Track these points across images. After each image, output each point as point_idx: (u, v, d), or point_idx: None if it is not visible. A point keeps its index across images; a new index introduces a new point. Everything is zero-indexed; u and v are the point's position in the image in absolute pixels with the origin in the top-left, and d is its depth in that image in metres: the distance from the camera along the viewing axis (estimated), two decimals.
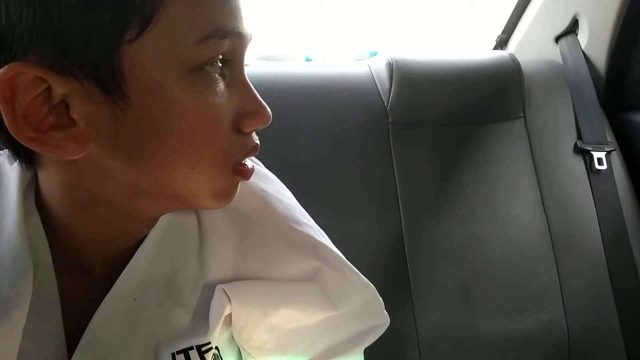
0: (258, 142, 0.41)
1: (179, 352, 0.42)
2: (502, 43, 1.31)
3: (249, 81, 0.39)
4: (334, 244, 0.52)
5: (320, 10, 1.44)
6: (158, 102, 0.34)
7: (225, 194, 0.41)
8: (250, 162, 0.42)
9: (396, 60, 0.97)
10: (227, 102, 0.37)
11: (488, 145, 0.96)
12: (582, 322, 0.91)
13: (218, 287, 0.44)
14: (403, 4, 1.50)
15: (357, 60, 1.33)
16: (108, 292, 0.41)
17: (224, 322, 0.44)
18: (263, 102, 0.40)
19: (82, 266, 0.43)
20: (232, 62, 0.38)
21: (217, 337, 0.44)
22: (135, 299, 0.42)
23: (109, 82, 0.32)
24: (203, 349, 0.43)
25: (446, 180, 0.94)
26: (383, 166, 0.92)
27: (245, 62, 0.39)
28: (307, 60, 1.33)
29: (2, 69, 0.30)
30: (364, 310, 0.51)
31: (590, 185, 0.97)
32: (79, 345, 0.39)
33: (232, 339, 0.47)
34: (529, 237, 0.93)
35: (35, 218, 0.40)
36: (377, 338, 0.51)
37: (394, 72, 0.96)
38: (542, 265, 0.92)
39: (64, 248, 0.41)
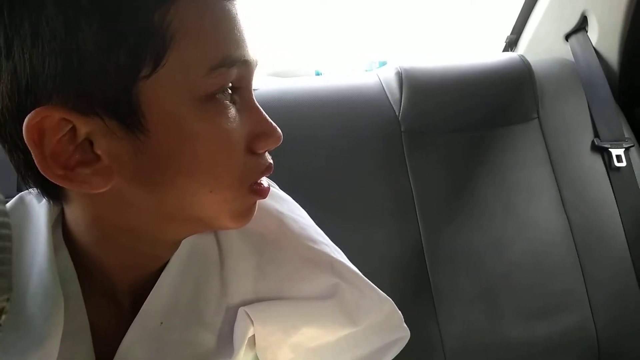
0: (271, 161, 0.43)
1: None
2: (511, 43, 1.31)
3: (258, 105, 0.41)
4: (352, 257, 0.52)
5: (327, 23, 1.46)
6: (175, 132, 0.35)
7: (244, 214, 0.43)
8: (266, 181, 0.43)
9: (405, 69, 0.98)
10: (239, 126, 0.38)
11: (503, 148, 0.96)
12: (611, 323, 0.89)
13: (240, 310, 0.45)
14: (408, 11, 1.51)
15: (366, 70, 1.33)
16: (130, 315, 0.42)
17: (248, 343, 0.45)
18: (273, 123, 0.41)
19: (110, 295, 0.44)
20: (241, 88, 0.39)
21: (242, 358, 0.44)
22: (162, 322, 0.43)
23: (128, 117, 0.34)
24: None
25: (463, 186, 0.93)
26: (398, 175, 0.92)
27: (253, 87, 0.41)
28: (317, 74, 1.35)
29: (29, 115, 0.32)
30: (384, 324, 0.51)
31: (611, 183, 0.96)
32: None
33: (256, 358, 0.48)
34: (551, 240, 0.92)
35: (64, 251, 0.42)
36: (399, 351, 0.51)
37: (404, 81, 0.96)
38: (565, 267, 0.91)
39: (92, 278, 0.42)
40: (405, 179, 0.92)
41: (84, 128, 0.33)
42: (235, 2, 0.37)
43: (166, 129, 0.35)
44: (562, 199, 0.94)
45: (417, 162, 0.93)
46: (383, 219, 0.90)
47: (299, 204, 0.55)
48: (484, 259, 0.90)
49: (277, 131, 0.41)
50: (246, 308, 0.45)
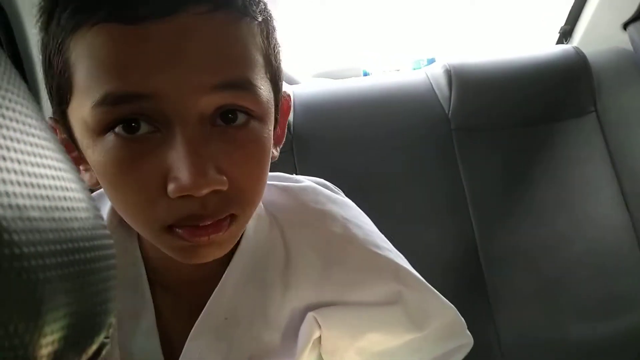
0: (202, 212, 0.36)
1: None
2: (565, 34, 1.26)
3: (184, 144, 0.34)
4: (405, 256, 0.53)
5: (374, 23, 1.46)
6: (87, 158, 0.38)
7: (178, 253, 0.39)
8: (193, 228, 0.36)
9: (454, 66, 0.97)
10: (145, 163, 0.35)
11: (558, 143, 0.94)
12: None
13: (309, 315, 0.47)
14: (457, 6, 1.49)
15: (414, 69, 1.33)
16: (192, 308, 0.45)
17: (312, 343, 0.47)
18: (192, 168, 0.33)
19: (169, 285, 0.47)
20: (170, 120, 0.34)
21: (306, 358, 0.47)
22: (226, 318, 0.45)
23: (69, 136, 0.39)
24: None
25: (517, 184, 0.92)
26: (449, 173, 0.92)
27: (191, 123, 0.35)
28: (365, 74, 1.35)
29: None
30: (447, 331, 0.52)
31: None
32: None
33: (320, 358, 0.50)
34: (612, 237, 0.89)
35: (134, 238, 0.47)
36: (462, 358, 0.51)
37: (453, 78, 0.96)
38: (628, 265, 0.88)
39: (154, 267, 0.46)
40: (457, 177, 0.92)
41: (60, 135, 0.40)
42: (148, 25, 0.33)
43: (83, 152, 0.39)
44: (623, 194, 0.91)
45: (469, 159, 0.92)
46: (435, 218, 0.90)
47: None
48: (541, 257, 0.88)
49: (186, 180, 0.33)
50: (314, 313, 0.47)
